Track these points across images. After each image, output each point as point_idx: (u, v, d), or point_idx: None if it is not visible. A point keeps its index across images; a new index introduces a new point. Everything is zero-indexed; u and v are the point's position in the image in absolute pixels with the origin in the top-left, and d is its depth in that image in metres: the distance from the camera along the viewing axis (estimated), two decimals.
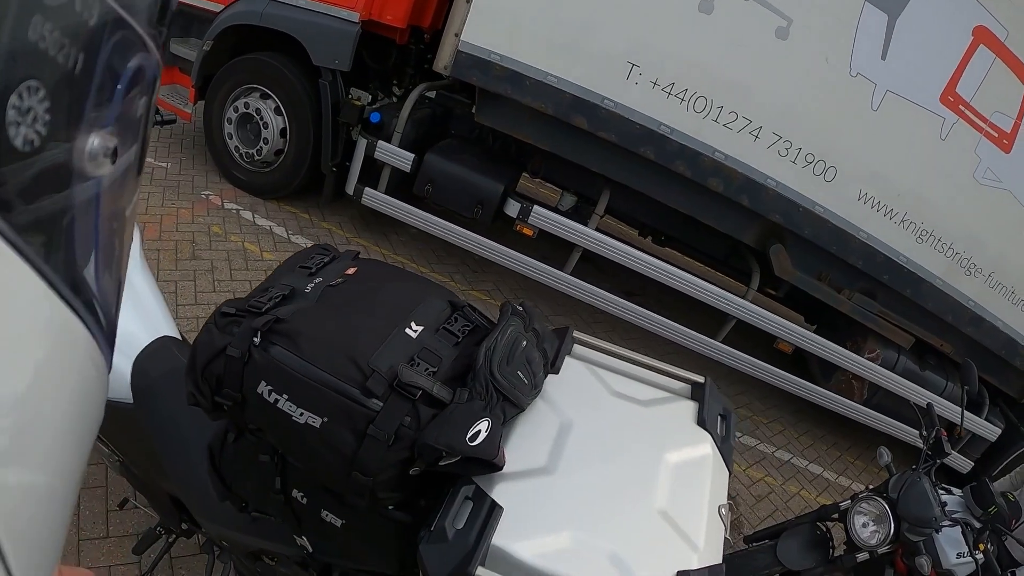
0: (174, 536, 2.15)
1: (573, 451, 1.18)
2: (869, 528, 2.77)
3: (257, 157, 5.16)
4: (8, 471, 0.44)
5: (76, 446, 0.58)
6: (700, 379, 1.44)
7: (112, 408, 1.70)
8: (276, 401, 1.07)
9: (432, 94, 5.09)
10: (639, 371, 1.46)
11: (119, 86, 0.54)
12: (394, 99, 5.23)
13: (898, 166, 4.45)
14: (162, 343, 1.81)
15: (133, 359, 1.74)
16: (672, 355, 4.95)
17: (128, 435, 1.78)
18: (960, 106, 4.29)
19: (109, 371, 0.66)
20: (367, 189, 4.86)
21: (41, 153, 0.42)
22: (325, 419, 1.05)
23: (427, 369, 1.09)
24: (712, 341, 4.95)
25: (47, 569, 0.55)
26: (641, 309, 4.84)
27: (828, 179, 4.44)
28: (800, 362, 5.56)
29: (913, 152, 4.40)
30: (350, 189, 4.95)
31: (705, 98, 4.32)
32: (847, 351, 5.02)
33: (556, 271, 4.77)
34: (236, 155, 5.26)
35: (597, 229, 4.82)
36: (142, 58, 0.57)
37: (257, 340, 1.09)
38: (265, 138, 5.08)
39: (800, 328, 5.03)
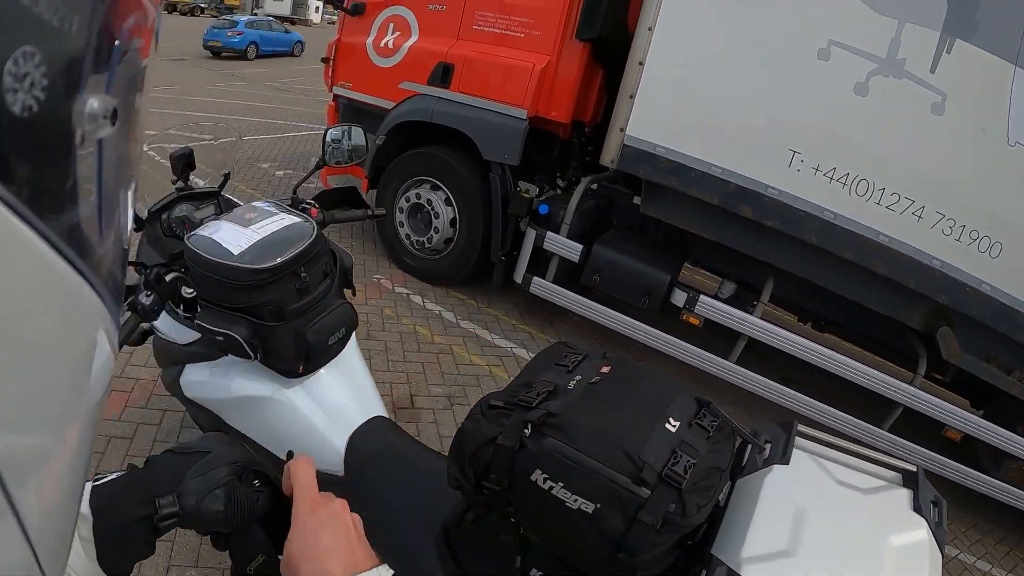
0: None
1: (808, 535, 1.27)
2: None
3: (428, 245, 5.45)
4: (15, 436, 0.45)
5: (86, 405, 0.58)
6: (912, 468, 1.51)
7: (323, 478, 1.86)
8: (551, 488, 1.17)
9: (594, 185, 5.25)
10: (856, 461, 1.55)
11: (116, 46, 0.53)
12: (558, 191, 5.45)
13: None
14: (376, 423, 1.96)
15: (348, 435, 1.89)
16: None
17: None
18: None
19: (118, 330, 0.65)
20: (535, 278, 5.06)
21: (40, 118, 0.41)
22: (598, 505, 1.14)
23: (688, 461, 1.19)
24: (879, 430, 4.86)
25: (64, 535, 0.56)
26: (805, 398, 4.81)
27: (993, 255, 4.33)
28: (965, 449, 5.39)
29: None
30: (518, 278, 5.17)
31: (867, 181, 4.32)
32: (1020, 437, 4.83)
33: (722, 360, 4.81)
34: (407, 242, 5.57)
35: (761, 317, 4.86)
36: (138, 15, 0.57)
37: (527, 431, 1.20)
38: (436, 227, 5.37)
39: (970, 414, 4.87)
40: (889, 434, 4.85)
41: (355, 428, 1.91)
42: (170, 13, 42.23)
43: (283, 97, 15.85)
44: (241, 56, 23.88)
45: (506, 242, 5.21)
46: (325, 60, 6.51)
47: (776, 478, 1.39)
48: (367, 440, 1.90)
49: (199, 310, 1.92)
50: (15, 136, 0.40)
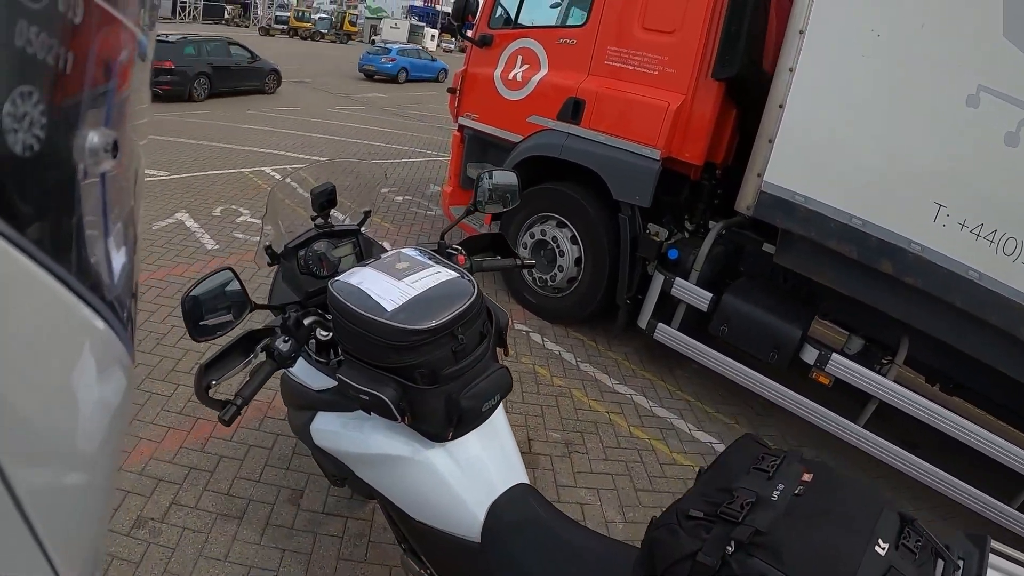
0: None
1: None
2: None
3: (550, 283, 5.46)
4: (40, 471, 0.45)
5: (106, 437, 0.57)
6: None
7: (457, 543, 1.80)
8: None
9: (723, 231, 5.15)
10: None
11: (112, 79, 0.53)
12: (686, 234, 5.36)
13: None
14: (519, 491, 1.87)
15: (489, 503, 1.80)
16: (954, 518, 4.61)
17: (463, 569, 1.84)
18: None
19: (132, 360, 0.64)
20: (660, 324, 4.97)
21: (42, 157, 0.42)
22: None
23: None
24: (1008, 508, 4.55)
25: (90, 565, 0.56)
26: (935, 469, 4.50)
27: None
28: None
29: None
30: (643, 323, 5.09)
31: (1015, 239, 4.03)
32: None
33: (849, 423, 4.58)
34: (528, 279, 5.57)
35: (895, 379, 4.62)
36: (130, 48, 0.56)
37: (731, 549, 1.14)
38: (560, 265, 5.37)
39: None
40: (1019, 513, 4.53)
41: (497, 496, 1.84)
42: (291, 38, 44.46)
43: (401, 123, 16.34)
44: (392, 80, 26.16)
45: (632, 285, 5.14)
46: (452, 90, 6.63)
47: None
48: (509, 509, 1.83)
49: (333, 355, 1.92)
50: (18, 175, 0.41)
